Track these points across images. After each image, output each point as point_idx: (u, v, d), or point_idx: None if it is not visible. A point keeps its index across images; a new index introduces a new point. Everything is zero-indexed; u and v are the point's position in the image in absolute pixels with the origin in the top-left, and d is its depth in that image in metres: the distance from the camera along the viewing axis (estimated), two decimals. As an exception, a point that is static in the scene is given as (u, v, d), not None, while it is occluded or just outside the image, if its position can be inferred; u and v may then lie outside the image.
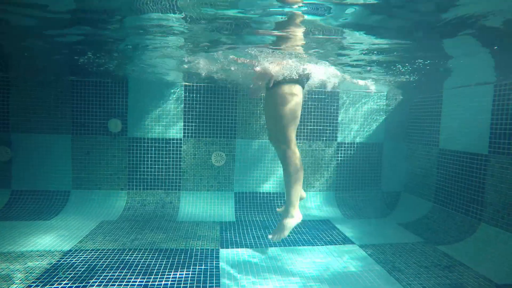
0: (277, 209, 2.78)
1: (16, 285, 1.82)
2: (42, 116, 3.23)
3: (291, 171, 2.36)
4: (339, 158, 3.60)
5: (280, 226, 2.41)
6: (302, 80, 2.39)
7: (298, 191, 2.41)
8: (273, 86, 2.34)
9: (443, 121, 3.15)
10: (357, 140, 3.63)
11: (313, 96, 3.51)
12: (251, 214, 3.27)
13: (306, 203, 3.47)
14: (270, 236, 2.39)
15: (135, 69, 2.95)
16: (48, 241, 2.42)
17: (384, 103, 3.65)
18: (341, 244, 2.60)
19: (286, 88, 2.31)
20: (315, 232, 2.85)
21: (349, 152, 3.62)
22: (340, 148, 3.60)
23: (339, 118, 3.58)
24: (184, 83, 3.34)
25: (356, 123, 3.62)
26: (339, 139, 3.60)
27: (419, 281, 2.02)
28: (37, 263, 2.09)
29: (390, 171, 3.70)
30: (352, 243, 2.63)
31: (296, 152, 2.37)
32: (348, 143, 3.61)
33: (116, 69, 2.84)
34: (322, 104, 3.54)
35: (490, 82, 2.61)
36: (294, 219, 2.41)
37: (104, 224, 2.84)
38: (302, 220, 3.11)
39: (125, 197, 3.29)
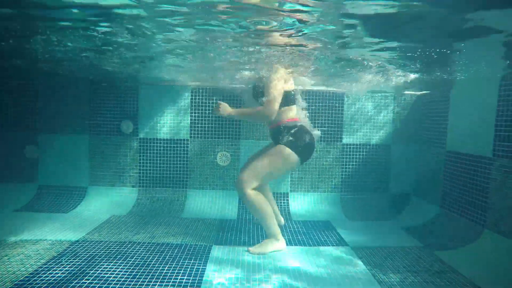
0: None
1: (26, 268, 2.05)
2: (65, 118, 3.55)
3: (251, 211, 2.46)
4: (344, 160, 3.57)
5: (264, 244, 2.45)
6: (304, 155, 2.47)
7: (271, 224, 2.44)
8: (282, 141, 2.46)
9: (450, 121, 3.02)
10: (364, 141, 3.57)
11: (318, 96, 3.51)
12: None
13: (309, 204, 3.49)
14: (250, 249, 2.43)
15: (147, 75, 3.17)
16: (60, 232, 2.68)
17: (392, 104, 3.56)
18: (333, 245, 2.60)
19: (286, 152, 2.42)
20: (312, 233, 2.87)
21: (354, 153, 3.58)
22: (345, 149, 3.57)
23: (344, 119, 3.55)
24: (191, 86, 3.50)
25: (362, 124, 3.56)
26: (344, 140, 3.57)
27: (402, 286, 1.99)
28: (47, 251, 2.33)
29: (398, 173, 3.60)
30: (346, 245, 2.62)
31: (249, 193, 2.38)
32: (353, 144, 3.57)
33: (130, 76, 3.07)
34: (326, 104, 3.53)
35: (495, 80, 2.48)
36: (278, 243, 2.45)
37: (113, 218, 3.07)
38: (301, 221, 3.18)
39: (135, 194, 3.52)
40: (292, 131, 2.46)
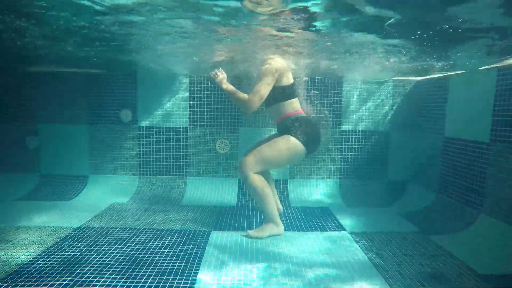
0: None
1: (30, 253, 2.10)
2: (64, 108, 3.57)
3: (252, 195, 2.48)
4: (343, 146, 3.59)
5: (262, 228, 2.49)
6: (310, 145, 2.50)
7: (271, 208, 2.46)
8: (290, 132, 2.47)
9: (449, 107, 3.02)
10: (362, 128, 3.58)
11: (316, 83, 3.50)
12: (252, 200, 3.39)
13: (308, 190, 3.52)
14: (249, 232, 2.46)
15: (144, 63, 3.16)
16: (62, 219, 2.73)
17: (391, 90, 3.55)
18: (332, 231, 2.64)
19: (292, 142, 2.45)
20: (310, 218, 2.91)
21: (353, 140, 3.59)
22: (344, 136, 3.58)
23: (343, 106, 3.55)
24: (189, 74, 3.50)
25: (361, 111, 3.56)
26: (343, 127, 3.57)
27: (397, 268, 2.02)
28: (49, 236, 2.38)
29: (397, 160, 3.61)
30: (344, 230, 2.65)
31: (251, 177, 2.40)
32: (352, 131, 3.58)
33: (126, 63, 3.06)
34: (325, 91, 3.52)
35: (493, 67, 2.47)
36: (277, 228, 2.48)
37: (114, 206, 3.12)
38: (300, 207, 3.22)
39: (136, 182, 3.56)
40: (298, 123, 2.49)
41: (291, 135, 2.47)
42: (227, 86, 2.54)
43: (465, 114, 2.80)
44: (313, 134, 2.52)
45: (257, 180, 2.42)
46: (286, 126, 2.53)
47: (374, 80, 3.53)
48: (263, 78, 2.41)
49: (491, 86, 2.48)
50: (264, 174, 2.57)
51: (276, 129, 2.75)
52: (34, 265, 1.95)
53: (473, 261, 2.08)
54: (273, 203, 2.49)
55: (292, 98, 2.57)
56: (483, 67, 2.62)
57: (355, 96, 3.54)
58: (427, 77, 3.41)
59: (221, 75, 2.57)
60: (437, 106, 3.21)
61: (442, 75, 3.14)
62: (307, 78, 3.47)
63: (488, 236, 2.28)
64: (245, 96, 2.45)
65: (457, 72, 2.95)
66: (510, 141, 2.29)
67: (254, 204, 3.22)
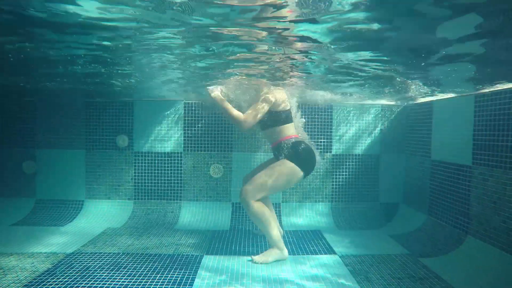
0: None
1: (20, 281, 2.12)
2: (61, 134, 3.66)
3: (255, 222, 2.54)
4: (335, 170, 3.67)
5: (267, 253, 2.53)
6: (307, 168, 2.60)
7: (274, 233, 2.51)
8: (286, 156, 2.57)
9: (434, 131, 3.13)
10: (353, 152, 3.67)
11: (306, 109, 3.63)
12: (246, 223, 3.42)
13: (300, 214, 3.56)
14: (253, 257, 2.50)
15: (140, 94, 3.31)
16: (56, 245, 2.75)
17: (380, 114, 3.67)
18: (322, 254, 2.67)
19: (290, 166, 2.54)
20: (301, 242, 2.94)
21: (344, 164, 3.67)
22: (335, 160, 3.67)
23: (333, 131, 3.66)
24: (183, 101, 3.63)
25: (351, 135, 3.67)
26: (333, 151, 3.67)
27: (385, 291, 2.06)
28: (42, 263, 2.40)
29: (387, 182, 3.68)
30: (334, 253, 2.68)
31: (253, 207, 2.46)
32: (343, 155, 3.67)
33: (123, 92, 3.21)
34: (315, 116, 3.64)
35: (471, 93, 2.60)
36: (281, 253, 2.52)
37: (108, 231, 3.14)
38: (292, 230, 3.25)
39: (131, 207, 3.59)
40: (293, 146, 2.59)
41: (288, 159, 2.56)
42: (223, 102, 2.64)
43: (449, 138, 2.90)
44: (309, 157, 2.61)
45: (259, 208, 2.47)
46: (282, 150, 2.62)
47: (363, 105, 3.66)
48: (261, 102, 2.55)
49: (470, 111, 2.60)
50: (263, 198, 2.63)
51: (272, 153, 2.84)
52: (26, 292, 1.97)
53: (459, 283, 2.11)
54: (276, 229, 2.54)
55: (288, 123, 2.70)
56: (463, 94, 2.75)
57: (345, 121, 3.66)
58: (413, 102, 3.55)
59: (216, 91, 2.68)
60: (423, 129, 3.32)
61: (426, 100, 3.27)
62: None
63: (474, 258, 2.32)
64: (239, 114, 2.56)
65: (440, 97, 3.08)
66: (490, 164, 2.38)
67: (255, 229, 3.26)
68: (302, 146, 2.61)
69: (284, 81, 2.55)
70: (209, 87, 2.70)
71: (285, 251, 2.55)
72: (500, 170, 2.29)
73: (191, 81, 2.61)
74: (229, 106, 2.61)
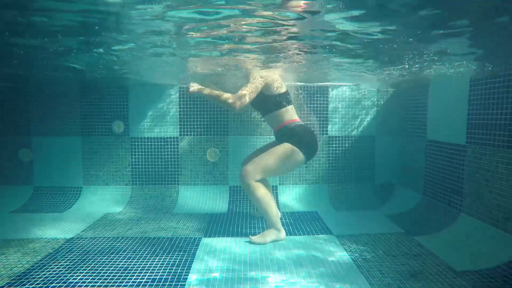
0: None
1: (22, 265, 2.16)
2: (57, 121, 3.64)
3: (254, 202, 2.55)
4: (331, 152, 3.68)
5: (265, 233, 2.57)
6: (309, 153, 2.61)
7: (273, 214, 2.54)
8: (289, 140, 2.57)
9: (429, 112, 3.13)
10: (348, 133, 3.68)
11: (302, 90, 3.61)
12: (243, 206, 3.46)
13: (297, 196, 3.60)
14: (252, 237, 2.54)
15: (134, 76, 3.25)
16: (56, 230, 2.79)
17: (375, 96, 3.66)
18: (318, 234, 2.72)
19: (289, 147, 2.55)
20: (298, 223, 2.99)
21: (340, 145, 3.69)
22: (331, 142, 3.68)
23: (329, 112, 3.65)
24: (179, 85, 3.59)
25: (347, 117, 3.67)
26: (329, 133, 3.67)
27: (379, 268, 2.11)
28: (43, 248, 2.43)
29: (383, 163, 3.71)
30: (330, 233, 2.73)
31: (253, 187, 2.48)
32: (339, 137, 3.68)
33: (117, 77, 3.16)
34: (311, 98, 3.63)
35: (467, 75, 2.59)
36: (279, 233, 2.56)
37: (107, 216, 3.18)
38: (289, 212, 3.29)
39: (129, 192, 3.62)
40: (296, 130, 2.60)
41: (290, 143, 2.56)
42: (205, 90, 2.59)
43: (444, 117, 2.91)
44: (311, 142, 2.62)
45: (259, 188, 2.50)
46: (285, 135, 2.63)
47: (359, 86, 3.64)
48: (253, 79, 2.53)
49: (465, 91, 2.60)
50: (263, 180, 2.65)
51: (270, 138, 2.84)
52: (27, 276, 2.01)
53: (452, 259, 2.17)
54: (275, 209, 2.57)
55: (287, 105, 2.70)
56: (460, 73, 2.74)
57: (340, 102, 3.65)
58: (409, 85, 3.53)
59: (195, 86, 2.63)
60: (419, 110, 3.33)
61: (422, 82, 3.26)
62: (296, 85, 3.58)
63: (466, 234, 2.37)
64: (229, 95, 2.47)
65: (436, 80, 3.07)
66: (483, 143, 2.40)
67: (252, 211, 3.31)
68: (305, 130, 2.62)
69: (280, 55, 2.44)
70: (188, 90, 2.65)
71: (283, 232, 2.59)
72: (493, 149, 2.31)
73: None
74: (214, 92, 2.54)
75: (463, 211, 2.57)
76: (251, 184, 2.48)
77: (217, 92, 2.55)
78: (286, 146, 2.57)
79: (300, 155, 2.56)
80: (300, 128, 2.62)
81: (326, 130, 3.67)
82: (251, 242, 2.52)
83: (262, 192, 2.50)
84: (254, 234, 2.66)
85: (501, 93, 2.25)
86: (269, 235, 2.55)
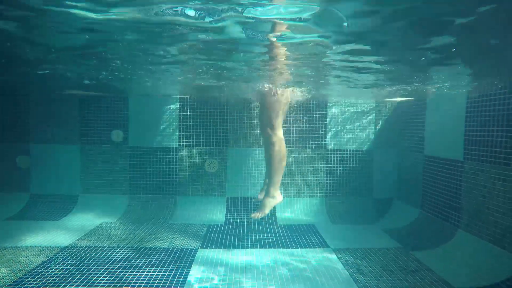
0: (258, 197, 3.08)
1: (14, 274, 2.13)
2: (56, 128, 3.65)
3: (274, 154, 2.65)
4: (329, 165, 3.69)
5: (261, 205, 2.67)
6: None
7: (280, 173, 2.67)
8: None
9: (427, 127, 3.16)
10: (347, 147, 3.70)
11: (301, 104, 3.64)
12: (240, 217, 3.44)
13: (295, 209, 3.59)
14: (252, 215, 2.64)
15: (134, 86, 3.29)
16: (50, 239, 2.76)
17: (374, 110, 3.70)
18: (316, 247, 2.70)
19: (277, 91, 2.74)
20: (296, 236, 2.97)
21: (338, 159, 3.70)
22: (329, 156, 3.69)
23: (328, 126, 3.68)
24: (179, 96, 3.62)
25: (345, 131, 3.69)
26: (328, 147, 3.69)
27: (376, 284, 2.09)
28: (37, 256, 2.40)
29: (381, 178, 3.72)
30: (327, 246, 2.72)
31: (280, 138, 2.69)
32: (337, 150, 3.70)
33: (118, 86, 3.18)
34: (310, 112, 3.66)
35: (463, 90, 2.63)
36: (274, 199, 2.68)
37: (103, 225, 3.15)
38: (286, 225, 3.27)
39: (126, 201, 3.60)
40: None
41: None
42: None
43: (442, 133, 2.94)
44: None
45: (284, 148, 2.68)
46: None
47: (358, 101, 3.68)
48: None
49: (462, 107, 2.64)
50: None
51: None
52: (19, 285, 1.98)
53: (449, 275, 2.15)
54: (282, 171, 2.70)
55: None
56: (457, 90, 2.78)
57: (339, 117, 3.68)
58: (407, 98, 3.58)
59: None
60: (417, 126, 3.36)
61: (420, 98, 3.30)
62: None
63: (463, 250, 2.36)
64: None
65: (433, 96, 3.11)
66: (480, 159, 2.42)
67: (256, 197, 3.33)
68: None
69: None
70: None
71: (279, 195, 2.69)
72: (489, 165, 2.32)
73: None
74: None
75: (461, 227, 2.57)
76: (281, 139, 2.66)
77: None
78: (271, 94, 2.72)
79: (285, 90, 2.74)
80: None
81: (325, 144, 3.69)
82: (255, 218, 2.64)
83: (284, 152, 2.69)
84: (251, 247, 2.64)
85: (498, 111, 2.28)
86: (267, 205, 2.66)
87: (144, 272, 2.19)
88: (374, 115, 3.70)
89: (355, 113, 3.69)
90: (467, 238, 2.44)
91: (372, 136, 3.71)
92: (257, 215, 2.64)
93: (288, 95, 2.85)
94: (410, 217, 3.24)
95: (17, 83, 3.19)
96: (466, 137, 2.58)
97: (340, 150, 3.70)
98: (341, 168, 3.70)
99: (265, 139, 2.77)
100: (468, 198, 2.52)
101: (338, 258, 2.49)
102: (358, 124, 3.70)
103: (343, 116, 3.69)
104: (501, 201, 2.21)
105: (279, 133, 2.70)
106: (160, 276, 2.14)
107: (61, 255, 2.43)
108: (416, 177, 3.31)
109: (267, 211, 2.66)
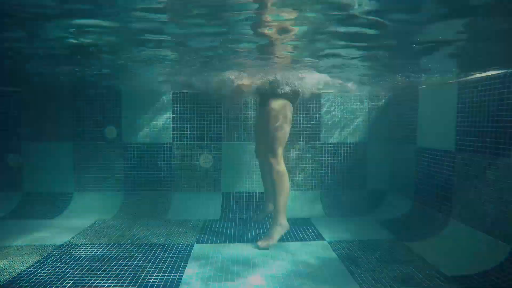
0: (257, 217, 3.07)
1: (8, 273, 2.11)
2: (48, 125, 3.60)
3: (279, 184, 2.59)
4: (323, 158, 3.71)
5: (270, 234, 2.60)
6: (292, 97, 2.66)
7: (285, 202, 2.62)
8: (265, 103, 2.62)
9: (420, 119, 3.19)
10: (341, 140, 3.72)
11: (295, 99, 3.64)
12: (236, 212, 3.46)
13: (290, 202, 3.60)
14: (259, 243, 2.55)
15: (127, 82, 3.25)
16: (45, 237, 2.74)
17: (367, 103, 3.72)
18: (311, 240, 2.73)
19: (277, 106, 2.58)
20: (291, 229, 2.97)
21: (332, 152, 3.72)
22: (323, 149, 3.71)
23: (321, 119, 3.69)
24: (172, 91, 3.60)
25: (339, 124, 3.71)
26: (322, 140, 3.71)
27: (371, 274, 2.12)
28: (32, 255, 2.39)
29: (375, 170, 3.75)
30: (323, 239, 2.75)
31: (283, 167, 2.61)
32: (331, 143, 3.72)
33: (110, 81, 3.15)
34: (303, 105, 3.67)
35: (454, 81, 2.65)
36: (283, 228, 2.61)
37: (98, 222, 3.14)
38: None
39: (121, 198, 3.58)
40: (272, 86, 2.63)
41: (273, 98, 2.58)
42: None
43: (434, 125, 2.97)
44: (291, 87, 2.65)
45: (286, 173, 2.62)
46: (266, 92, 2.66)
47: (351, 94, 3.69)
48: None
49: (453, 98, 2.66)
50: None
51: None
52: (13, 284, 1.97)
53: (442, 265, 2.19)
54: (287, 199, 2.65)
55: None
56: (448, 81, 2.81)
57: (333, 109, 3.69)
58: (399, 92, 3.60)
59: (268, 242, 2.57)
60: (409, 117, 3.38)
61: (412, 90, 3.32)
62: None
63: (456, 240, 2.41)
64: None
65: (425, 87, 3.13)
66: (472, 150, 2.45)
67: (255, 215, 3.34)
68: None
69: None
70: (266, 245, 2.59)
71: (285, 223, 2.63)
72: (481, 155, 2.36)
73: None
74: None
75: (453, 217, 2.61)
76: (285, 171, 2.59)
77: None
78: (272, 106, 2.57)
79: (287, 105, 2.61)
80: (275, 83, 2.63)
81: (319, 137, 3.70)
82: (261, 248, 2.51)
83: (287, 177, 2.61)
84: (248, 240, 2.66)
85: (488, 101, 2.31)
86: (276, 233, 2.58)
87: (140, 268, 2.19)
88: (367, 107, 3.72)
89: (349, 105, 3.71)
90: (459, 228, 2.48)
91: (365, 129, 3.73)
92: (264, 244, 2.52)
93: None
94: (404, 209, 3.28)
95: (6, 80, 3.13)
96: (458, 128, 2.61)
97: (334, 143, 3.72)
98: (335, 161, 3.72)
99: (265, 163, 2.70)
100: (460, 188, 2.56)
101: (333, 250, 2.51)
102: (352, 116, 3.71)
103: (336, 109, 3.70)
104: (491, 190, 2.25)
105: (283, 165, 2.60)
106: (157, 271, 2.14)
107: (56, 253, 2.42)
108: (409, 169, 3.35)
109: (276, 238, 2.57)
